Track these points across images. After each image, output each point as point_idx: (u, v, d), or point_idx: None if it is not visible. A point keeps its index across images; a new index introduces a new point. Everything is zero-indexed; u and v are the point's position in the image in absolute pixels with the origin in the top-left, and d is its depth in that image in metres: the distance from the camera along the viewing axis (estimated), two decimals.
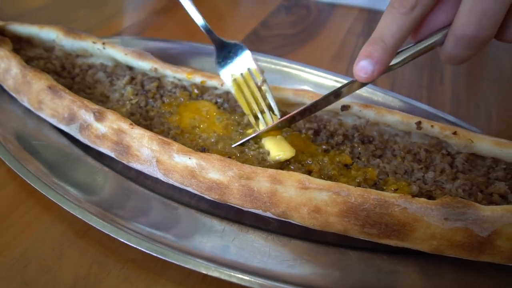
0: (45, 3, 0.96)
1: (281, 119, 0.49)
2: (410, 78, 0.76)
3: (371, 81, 0.40)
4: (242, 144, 0.49)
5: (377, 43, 0.38)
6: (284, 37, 0.89)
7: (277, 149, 0.47)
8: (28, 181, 0.45)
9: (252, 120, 0.51)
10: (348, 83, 0.43)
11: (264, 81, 0.52)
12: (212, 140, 0.51)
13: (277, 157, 0.47)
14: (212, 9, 1.00)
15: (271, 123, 0.50)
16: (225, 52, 0.54)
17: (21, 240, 0.42)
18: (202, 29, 0.54)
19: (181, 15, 0.96)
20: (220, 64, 0.54)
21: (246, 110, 0.52)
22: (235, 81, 0.53)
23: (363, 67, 0.38)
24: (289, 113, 0.49)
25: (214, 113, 0.55)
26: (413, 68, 0.79)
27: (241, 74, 0.53)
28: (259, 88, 0.52)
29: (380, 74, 0.39)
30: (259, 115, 0.51)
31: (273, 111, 0.51)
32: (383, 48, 0.38)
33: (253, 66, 0.53)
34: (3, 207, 0.46)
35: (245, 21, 0.94)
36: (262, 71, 0.53)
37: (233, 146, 0.49)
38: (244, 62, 0.54)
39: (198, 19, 0.54)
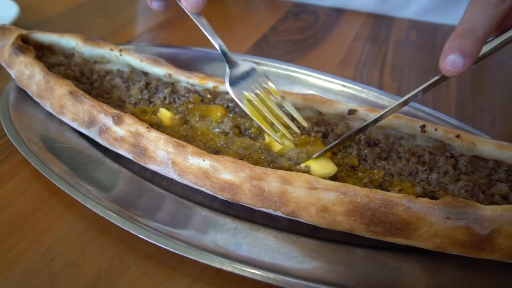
0: (62, 12, 0.99)
1: (343, 137, 0.49)
2: (416, 83, 0.78)
3: (460, 75, 0.39)
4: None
5: (466, 36, 0.37)
6: (293, 43, 0.91)
7: (322, 167, 0.49)
8: (53, 181, 0.48)
9: (274, 136, 0.50)
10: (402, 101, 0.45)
11: (283, 97, 0.53)
12: (222, 143, 0.53)
13: (323, 174, 0.48)
14: (222, 15, 1.03)
15: (295, 135, 0.51)
16: (238, 72, 0.53)
17: (47, 236, 0.45)
18: (218, 49, 0.53)
19: (192, 22, 0.99)
20: (232, 84, 0.52)
21: (266, 127, 0.50)
22: (248, 100, 0.52)
23: (452, 61, 0.38)
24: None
25: (226, 117, 0.58)
26: (419, 73, 0.81)
27: (255, 92, 0.52)
28: (279, 105, 0.52)
29: (470, 67, 0.38)
30: (280, 128, 0.50)
31: (300, 125, 0.52)
32: (473, 40, 0.37)
33: (268, 85, 0.53)
34: (29, 205, 0.49)
35: (254, 27, 0.97)
36: (279, 90, 0.53)
37: (314, 156, 0.49)
38: (257, 82, 0.53)
39: (215, 40, 0.53)
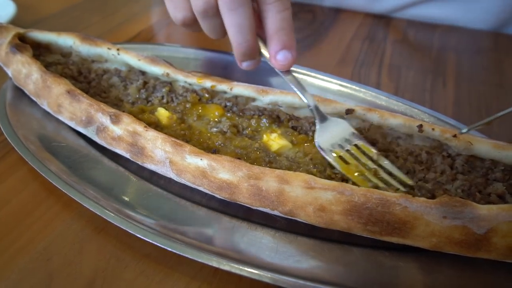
0: (59, 10, 0.99)
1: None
2: (413, 82, 0.78)
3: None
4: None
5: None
6: None
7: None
8: (50, 180, 0.48)
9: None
10: None
11: (379, 154, 0.49)
12: (219, 142, 0.53)
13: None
14: None
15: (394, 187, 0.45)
16: (328, 128, 0.51)
17: (44, 236, 0.45)
18: (311, 106, 0.51)
19: None
20: (322, 140, 0.50)
21: (362, 184, 0.46)
22: (340, 157, 0.48)
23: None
24: (295, 116, 0.49)
25: (224, 116, 0.58)
26: (417, 72, 0.81)
27: (347, 149, 0.49)
28: (374, 162, 0.48)
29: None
30: (380, 185, 0.46)
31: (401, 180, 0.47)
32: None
33: (360, 142, 0.50)
34: (26, 204, 0.49)
35: None
36: (371, 145, 0.50)
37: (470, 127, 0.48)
38: (348, 139, 0.50)
39: (306, 96, 0.51)
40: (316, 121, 0.51)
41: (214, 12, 0.50)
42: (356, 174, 0.47)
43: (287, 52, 0.49)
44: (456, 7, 0.97)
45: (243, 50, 0.50)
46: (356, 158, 0.48)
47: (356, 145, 0.50)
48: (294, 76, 0.51)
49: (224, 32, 0.53)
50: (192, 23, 0.54)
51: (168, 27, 0.95)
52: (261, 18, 0.50)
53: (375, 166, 0.47)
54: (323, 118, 0.52)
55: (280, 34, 0.48)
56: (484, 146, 0.49)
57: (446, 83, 0.78)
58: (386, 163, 0.48)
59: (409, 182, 0.46)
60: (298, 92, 0.51)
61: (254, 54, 0.51)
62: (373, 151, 0.49)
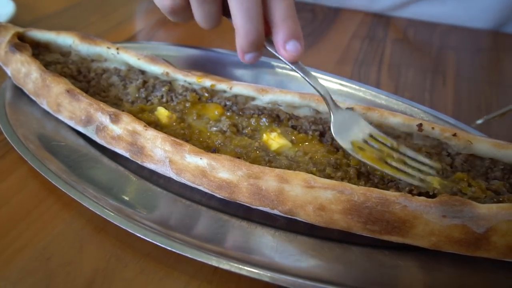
0: (59, 9, 0.99)
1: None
2: (413, 81, 0.78)
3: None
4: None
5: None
6: None
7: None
8: (50, 179, 0.48)
9: (409, 180, 0.45)
10: None
11: (397, 142, 0.49)
12: (219, 141, 0.53)
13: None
14: None
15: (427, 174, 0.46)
16: (341, 119, 0.49)
17: (43, 235, 0.45)
18: (323, 95, 0.49)
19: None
20: (337, 130, 0.49)
21: (392, 172, 0.46)
22: (359, 148, 0.47)
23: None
24: (295, 116, 0.49)
25: (223, 116, 0.58)
26: (416, 71, 0.81)
27: (364, 140, 0.48)
28: (395, 150, 0.48)
29: None
30: (408, 171, 0.46)
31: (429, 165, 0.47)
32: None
33: (373, 131, 0.49)
34: (26, 204, 0.49)
35: None
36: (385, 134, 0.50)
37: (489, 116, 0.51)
38: (362, 129, 0.49)
39: (319, 86, 0.49)
40: (330, 110, 0.49)
41: None
42: (380, 162, 0.46)
43: (297, 42, 0.46)
44: (455, 5, 0.97)
45: (252, 39, 0.45)
46: (377, 148, 0.47)
47: (372, 136, 0.48)
48: (301, 65, 0.49)
49: (219, 20, 0.49)
50: (182, 11, 0.48)
51: (168, 26, 0.95)
52: (264, 6, 0.46)
53: (398, 154, 0.47)
54: (336, 107, 0.49)
55: (288, 22, 0.45)
56: (484, 145, 0.49)
57: (445, 82, 0.78)
58: (404, 148, 0.48)
59: (437, 165, 0.46)
60: (309, 81, 0.49)
61: (261, 44, 0.47)
62: (388, 140, 0.48)
